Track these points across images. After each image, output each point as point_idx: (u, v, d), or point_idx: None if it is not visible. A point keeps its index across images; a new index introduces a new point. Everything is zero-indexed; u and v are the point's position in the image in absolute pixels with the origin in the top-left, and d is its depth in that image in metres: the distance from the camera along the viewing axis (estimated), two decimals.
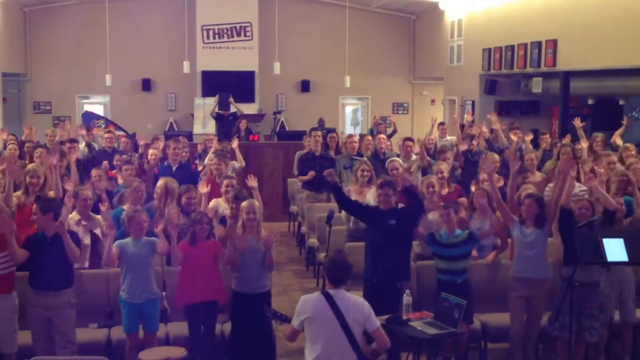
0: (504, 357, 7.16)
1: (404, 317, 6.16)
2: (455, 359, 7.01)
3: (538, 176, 9.58)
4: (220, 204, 8.14)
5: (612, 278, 6.99)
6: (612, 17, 11.94)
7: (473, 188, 8.29)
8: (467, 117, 14.19)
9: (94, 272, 7.15)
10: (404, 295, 6.26)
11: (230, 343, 6.77)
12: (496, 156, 9.79)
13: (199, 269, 6.66)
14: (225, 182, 8.35)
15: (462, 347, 7.02)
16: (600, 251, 6.05)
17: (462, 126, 13.26)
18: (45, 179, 7.70)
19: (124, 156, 10.17)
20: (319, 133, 11.24)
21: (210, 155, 10.60)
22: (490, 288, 7.33)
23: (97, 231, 7.43)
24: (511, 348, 6.94)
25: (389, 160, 9.45)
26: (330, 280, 5.29)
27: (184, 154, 10.48)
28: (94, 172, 8.82)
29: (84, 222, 7.36)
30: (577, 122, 11.85)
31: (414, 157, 10.88)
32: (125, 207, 7.69)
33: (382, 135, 11.43)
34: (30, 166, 7.86)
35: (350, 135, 11.39)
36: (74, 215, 7.38)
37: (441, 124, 13.86)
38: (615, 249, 6.08)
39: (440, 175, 8.69)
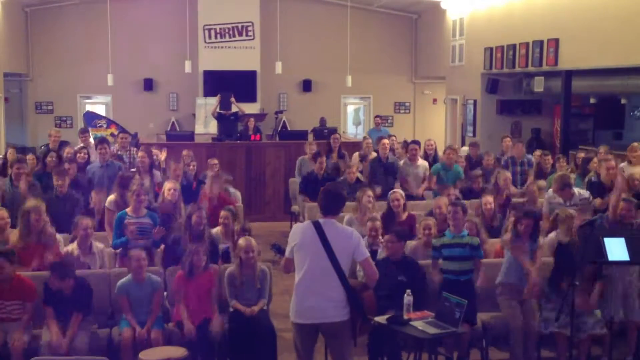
0: (506, 356, 7.15)
1: (405, 317, 6.15)
2: (457, 359, 7.00)
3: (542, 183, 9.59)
4: (217, 236, 8.14)
5: (612, 277, 7.00)
6: (614, 15, 11.92)
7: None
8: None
9: (95, 273, 7.15)
10: (405, 295, 6.25)
11: (231, 341, 6.78)
12: (508, 173, 9.85)
13: (194, 301, 6.81)
14: (222, 214, 8.27)
15: (464, 347, 7.01)
16: (601, 250, 6.05)
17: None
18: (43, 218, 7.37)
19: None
20: (324, 159, 11.10)
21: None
22: (491, 288, 7.31)
23: (97, 265, 7.39)
24: (512, 347, 6.94)
25: (390, 192, 9.19)
26: (322, 209, 5.29)
27: (190, 167, 10.48)
28: (94, 196, 8.79)
29: (82, 260, 7.25)
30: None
31: (420, 161, 10.86)
32: (128, 210, 7.68)
33: (386, 141, 11.38)
34: (31, 203, 7.35)
35: (350, 166, 11.28)
36: (73, 249, 7.34)
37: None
38: (616, 249, 6.07)
39: (438, 211, 8.47)
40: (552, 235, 7.55)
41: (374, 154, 11.67)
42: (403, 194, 9.11)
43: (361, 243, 5.28)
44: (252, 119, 15.23)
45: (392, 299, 6.48)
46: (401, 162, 11.11)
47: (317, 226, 5.21)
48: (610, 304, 6.96)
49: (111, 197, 8.35)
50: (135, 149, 12.09)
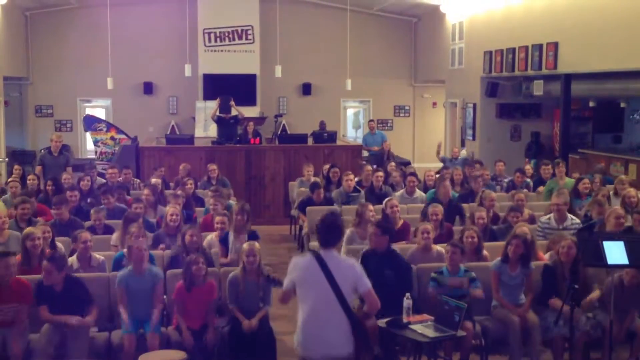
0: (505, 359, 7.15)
1: (405, 320, 6.16)
2: None
3: (526, 214, 9.40)
4: (213, 241, 8.13)
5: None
6: (613, 19, 11.94)
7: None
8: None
9: (94, 276, 7.14)
10: (404, 298, 6.26)
11: (230, 345, 6.78)
12: (493, 194, 9.70)
13: (193, 312, 6.79)
14: (217, 219, 8.26)
15: (464, 350, 7.01)
16: (600, 254, 6.05)
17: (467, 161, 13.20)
18: (44, 238, 7.31)
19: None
20: (321, 191, 11.02)
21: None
22: (489, 293, 7.31)
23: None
24: (512, 350, 6.93)
25: (387, 199, 9.23)
26: (321, 242, 5.27)
27: (188, 185, 10.44)
28: (109, 170, 8.79)
29: (81, 272, 7.19)
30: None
31: (417, 192, 10.84)
32: (125, 252, 7.50)
33: (380, 173, 11.30)
34: (26, 231, 7.23)
35: (348, 174, 11.26)
36: (73, 261, 7.31)
37: None
38: (615, 252, 6.07)
39: (434, 217, 8.48)
40: (547, 256, 7.67)
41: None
42: (398, 202, 9.14)
43: (363, 274, 5.25)
44: (251, 123, 15.25)
45: (378, 293, 6.50)
46: (398, 194, 10.91)
47: (319, 259, 5.18)
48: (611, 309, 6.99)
49: (115, 235, 8.32)
50: (138, 181, 12.07)
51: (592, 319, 6.87)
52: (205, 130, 18.47)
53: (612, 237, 6.31)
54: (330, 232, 5.24)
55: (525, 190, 10.96)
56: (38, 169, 12.12)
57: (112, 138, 16.24)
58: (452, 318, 6.08)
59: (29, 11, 20.01)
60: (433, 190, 10.77)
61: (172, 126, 20.39)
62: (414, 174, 11.16)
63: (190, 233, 7.43)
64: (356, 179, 11.44)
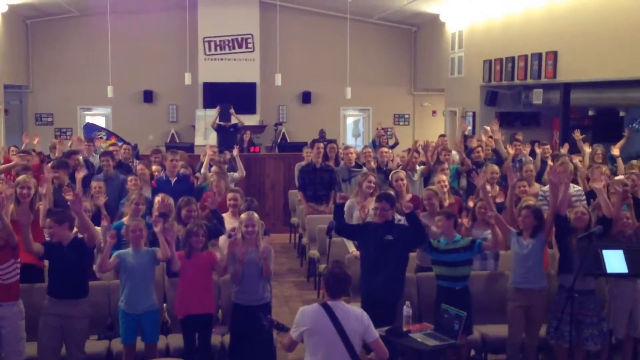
0: None
1: (404, 329, 6.16)
2: None
3: (537, 187, 9.56)
4: (226, 219, 8.14)
5: (617, 291, 7.02)
6: (612, 28, 11.98)
7: (471, 203, 8.27)
8: (465, 129, 14.14)
9: (95, 284, 7.14)
10: (404, 306, 6.27)
11: (230, 354, 6.77)
12: (495, 167, 9.78)
13: (194, 281, 6.67)
14: (229, 195, 8.32)
15: (463, 359, 7.02)
16: (599, 263, 6.06)
17: (465, 137, 13.26)
18: (36, 190, 7.41)
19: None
20: (321, 145, 11.22)
21: (205, 166, 10.56)
22: (490, 299, 7.32)
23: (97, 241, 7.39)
24: (509, 358, 6.93)
25: (393, 171, 9.40)
26: (329, 292, 5.29)
27: (182, 167, 10.48)
28: (93, 184, 8.83)
29: (80, 237, 7.28)
30: (577, 135, 11.89)
31: (418, 168, 10.88)
32: (125, 220, 7.68)
33: (385, 149, 11.41)
34: (20, 178, 7.51)
35: (347, 147, 11.34)
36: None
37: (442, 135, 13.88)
38: (615, 261, 6.08)
39: (442, 184, 8.68)
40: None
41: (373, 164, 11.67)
42: (405, 175, 9.16)
43: (371, 324, 5.27)
44: (248, 132, 15.20)
45: (379, 259, 6.77)
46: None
47: (328, 310, 5.20)
48: (611, 319, 6.99)
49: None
50: (137, 160, 12.12)
51: (595, 337, 6.82)
52: (205, 138, 18.48)
53: (611, 245, 6.32)
54: (337, 283, 5.28)
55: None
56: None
57: (113, 145, 16.24)
58: (451, 327, 6.09)
59: (29, 19, 20.06)
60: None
61: (172, 134, 20.41)
62: (416, 151, 11.19)
63: (187, 209, 7.48)
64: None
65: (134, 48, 20.33)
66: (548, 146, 11.97)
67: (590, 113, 16.94)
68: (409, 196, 8.84)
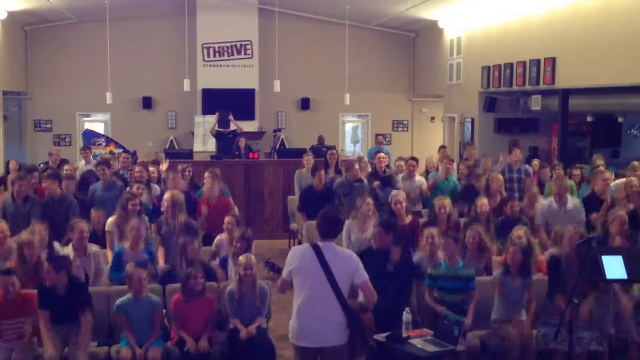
0: None
1: (404, 335, 6.16)
2: None
3: (541, 200, 9.51)
4: (223, 241, 8.17)
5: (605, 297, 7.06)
6: (610, 34, 11.99)
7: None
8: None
9: (94, 290, 7.15)
10: (404, 312, 6.27)
11: (231, 358, 6.77)
12: (500, 177, 9.83)
13: (191, 326, 6.77)
14: (226, 219, 8.31)
15: None
16: (599, 268, 6.06)
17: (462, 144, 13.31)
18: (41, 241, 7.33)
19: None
20: (322, 173, 11.05)
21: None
22: (490, 305, 7.32)
23: (92, 268, 7.37)
24: None
25: (392, 194, 9.22)
26: (320, 233, 5.32)
27: (187, 173, 10.51)
28: (93, 214, 8.79)
29: (78, 262, 7.22)
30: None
31: (417, 177, 10.89)
32: (126, 246, 7.63)
33: (382, 154, 11.41)
34: (25, 237, 7.15)
35: (352, 162, 11.27)
36: (68, 251, 7.32)
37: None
38: (614, 267, 6.08)
39: (442, 210, 8.55)
40: (552, 250, 7.62)
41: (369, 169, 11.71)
42: (404, 197, 9.10)
43: (360, 266, 5.30)
44: (242, 138, 15.16)
45: (379, 289, 6.46)
46: (399, 177, 11.08)
47: (317, 249, 5.23)
48: (604, 321, 7.01)
49: (111, 219, 8.34)
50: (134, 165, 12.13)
51: (598, 338, 6.84)
52: (204, 144, 18.51)
53: (610, 251, 6.31)
54: (329, 223, 5.32)
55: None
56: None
57: (111, 152, 16.26)
58: (451, 333, 6.09)
59: (28, 26, 20.07)
60: (435, 171, 10.94)
61: (171, 140, 20.43)
62: (414, 158, 11.21)
63: (191, 248, 7.41)
64: None
65: (133, 54, 20.35)
66: (547, 168, 11.87)
67: (589, 119, 16.99)
68: (408, 219, 8.83)
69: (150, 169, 10.62)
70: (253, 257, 7.05)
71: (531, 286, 7.14)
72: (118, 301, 6.78)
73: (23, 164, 11.80)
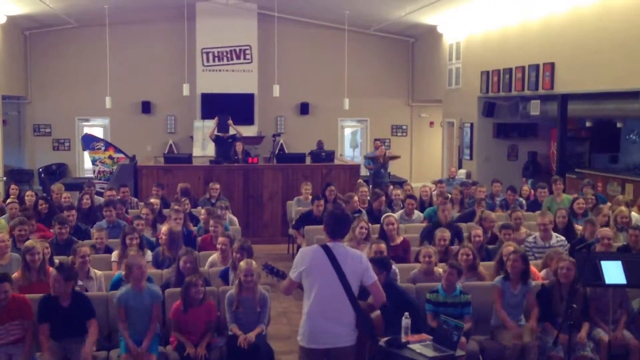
0: None
1: (403, 340, 6.16)
2: None
3: (523, 234, 9.42)
4: (215, 261, 8.16)
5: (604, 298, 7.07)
6: (609, 40, 12.03)
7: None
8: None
9: (93, 295, 7.14)
10: (403, 317, 6.26)
11: None
12: (492, 215, 9.75)
13: (192, 334, 6.74)
14: (220, 239, 8.27)
15: None
16: (598, 274, 6.07)
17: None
18: (44, 254, 7.31)
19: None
20: (322, 202, 11.11)
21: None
22: (489, 310, 7.32)
23: (94, 289, 7.37)
24: None
25: (384, 215, 9.32)
26: (329, 233, 5.29)
27: (185, 206, 10.42)
28: (95, 234, 8.83)
29: (80, 283, 7.17)
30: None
31: (416, 213, 10.89)
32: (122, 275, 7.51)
33: (383, 199, 11.32)
34: (27, 243, 7.30)
35: (351, 196, 11.29)
36: None
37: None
38: (613, 272, 6.09)
39: (442, 242, 8.38)
40: (543, 273, 7.69)
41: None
42: (396, 219, 9.15)
43: (369, 266, 5.28)
44: (239, 143, 15.13)
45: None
46: (397, 214, 10.98)
47: (327, 250, 5.21)
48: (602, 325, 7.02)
49: (116, 253, 8.35)
50: (136, 199, 12.15)
51: (592, 346, 6.85)
52: (203, 149, 18.51)
53: (610, 256, 6.33)
54: (338, 223, 5.29)
55: (520, 208, 11.00)
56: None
57: (110, 157, 16.26)
58: (450, 338, 6.08)
59: (28, 30, 20.10)
60: (432, 208, 10.84)
61: (170, 145, 20.45)
62: (412, 197, 11.17)
63: (185, 259, 7.33)
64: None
65: (132, 59, 20.38)
66: (546, 190, 11.87)
67: (588, 124, 17.02)
68: (399, 239, 8.88)
69: (153, 200, 10.57)
70: (254, 263, 7.02)
71: (531, 293, 7.15)
72: (118, 293, 6.73)
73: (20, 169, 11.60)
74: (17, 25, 19.07)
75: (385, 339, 6.10)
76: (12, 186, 11.86)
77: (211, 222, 9.39)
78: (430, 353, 5.99)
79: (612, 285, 6.22)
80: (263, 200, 14.00)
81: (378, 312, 5.72)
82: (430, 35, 20.05)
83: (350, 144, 22.99)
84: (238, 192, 13.83)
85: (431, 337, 6.24)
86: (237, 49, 20.34)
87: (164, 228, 8.53)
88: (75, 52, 20.44)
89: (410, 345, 6.09)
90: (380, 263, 6.84)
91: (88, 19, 19.54)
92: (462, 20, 17.69)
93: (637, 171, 15.53)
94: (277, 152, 18.76)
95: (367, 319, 5.33)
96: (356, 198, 11.11)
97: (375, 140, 18.46)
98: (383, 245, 7.73)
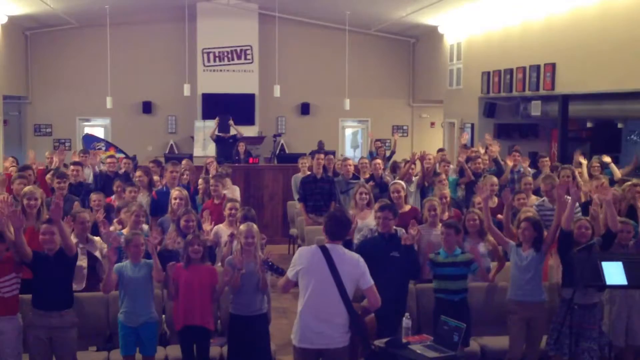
0: None
1: (404, 340, 6.15)
2: None
3: (534, 199, 9.55)
4: (222, 229, 8.12)
5: (617, 301, 7.03)
6: (610, 40, 12.01)
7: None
8: (463, 139, 14.27)
9: (93, 295, 7.14)
10: (404, 318, 6.26)
11: (230, 345, 6.72)
12: (494, 179, 9.77)
13: (192, 292, 6.58)
14: (228, 204, 8.33)
15: None
16: (599, 274, 6.05)
17: (466, 147, 13.32)
18: (42, 201, 7.50)
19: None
20: (322, 156, 11.23)
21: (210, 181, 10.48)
22: (488, 310, 7.32)
23: (97, 253, 7.36)
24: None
25: (392, 182, 9.37)
26: (328, 235, 5.31)
27: (184, 176, 10.50)
28: (93, 196, 8.83)
29: (81, 245, 7.21)
30: (578, 155, 11.74)
31: (414, 179, 10.89)
32: (124, 231, 7.68)
33: (379, 161, 11.41)
34: (27, 189, 7.64)
35: (345, 159, 11.38)
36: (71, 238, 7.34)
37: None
38: (614, 273, 6.08)
39: (444, 200, 8.63)
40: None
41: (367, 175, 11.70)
42: (404, 186, 9.13)
43: (366, 271, 5.28)
44: (242, 143, 15.16)
45: (384, 275, 6.40)
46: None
47: (324, 251, 5.22)
48: (610, 328, 6.99)
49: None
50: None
51: (594, 350, 6.76)
52: (204, 149, 18.51)
53: (610, 257, 6.31)
54: (338, 225, 5.32)
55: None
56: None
57: (111, 157, 16.24)
58: (451, 338, 6.07)
59: (29, 30, 20.10)
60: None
61: (171, 145, 20.44)
62: (408, 161, 11.28)
63: (186, 219, 7.43)
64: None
65: (133, 59, 20.38)
66: (547, 159, 11.93)
67: (589, 125, 16.99)
68: (407, 207, 8.85)
69: (155, 178, 10.58)
70: (255, 226, 6.88)
71: (546, 262, 7.01)
72: (116, 265, 6.69)
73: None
74: (17, 25, 19.06)
75: (385, 339, 6.09)
76: (10, 158, 11.83)
77: (212, 181, 9.44)
78: (430, 354, 5.98)
79: (613, 286, 6.21)
80: (263, 201, 14.02)
81: (372, 315, 5.74)
82: (431, 35, 20.03)
83: (351, 145, 22.98)
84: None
85: (431, 338, 6.23)
86: (238, 49, 20.34)
87: (175, 193, 8.60)
88: (76, 52, 20.44)
89: (411, 346, 6.09)
90: (390, 208, 7.00)
91: (89, 19, 19.54)
92: (463, 20, 17.68)
93: (638, 172, 15.51)
94: (277, 152, 18.82)
95: (360, 321, 5.34)
96: (350, 161, 11.11)
97: (376, 140, 18.45)
98: (364, 188, 8.51)
